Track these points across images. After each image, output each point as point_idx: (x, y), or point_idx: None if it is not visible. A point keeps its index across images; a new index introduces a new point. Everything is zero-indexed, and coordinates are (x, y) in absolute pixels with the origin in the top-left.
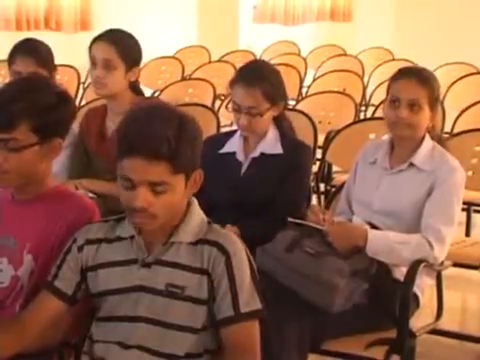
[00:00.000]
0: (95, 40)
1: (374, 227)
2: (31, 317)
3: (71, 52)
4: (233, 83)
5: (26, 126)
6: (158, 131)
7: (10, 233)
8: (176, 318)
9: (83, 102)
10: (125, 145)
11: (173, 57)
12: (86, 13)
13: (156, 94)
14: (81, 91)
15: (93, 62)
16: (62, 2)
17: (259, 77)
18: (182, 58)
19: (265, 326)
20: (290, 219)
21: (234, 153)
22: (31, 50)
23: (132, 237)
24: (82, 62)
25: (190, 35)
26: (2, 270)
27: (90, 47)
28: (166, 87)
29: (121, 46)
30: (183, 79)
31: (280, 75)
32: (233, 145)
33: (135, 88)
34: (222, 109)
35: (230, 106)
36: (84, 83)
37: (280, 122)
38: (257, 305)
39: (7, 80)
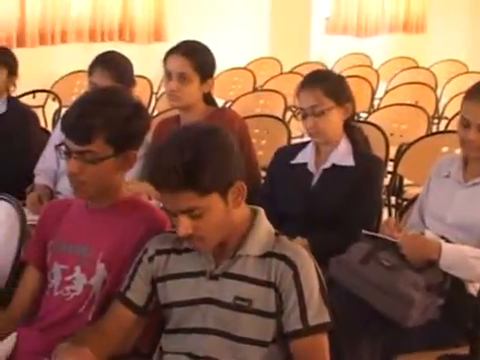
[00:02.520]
0: (170, 53)
1: (447, 242)
2: (107, 327)
3: (144, 63)
4: (298, 91)
5: (102, 139)
6: (168, 163)
7: (84, 242)
8: (245, 331)
9: (155, 112)
10: (149, 180)
11: (245, 68)
12: (159, 24)
13: (228, 105)
14: (153, 101)
15: (168, 75)
16: (136, 13)
17: (319, 78)
18: (254, 69)
19: (337, 338)
20: (364, 231)
21: (306, 164)
22: (109, 64)
23: None
24: (155, 72)
25: (262, 46)
26: (75, 278)
27: (165, 59)
28: (237, 98)
29: (196, 59)
30: (254, 90)
31: (344, 79)
32: (305, 156)
33: (208, 99)
34: (293, 120)
35: (300, 116)
36: (156, 93)
37: (353, 135)
38: (326, 318)
39: (83, 90)
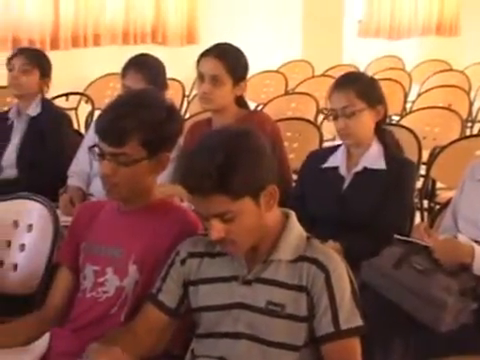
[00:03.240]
0: (203, 55)
1: None
2: (139, 328)
3: (176, 66)
4: (330, 93)
5: (136, 141)
6: (200, 167)
7: (116, 244)
8: (277, 336)
9: (187, 115)
10: (181, 184)
11: (277, 71)
12: (192, 27)
13: (259, 108)
14: (185, 104)
15: (201, 77)
16: (169, 16)
17: (351, 79)
18: (286, 72)
19: (369, 343)
20: (397, 236)
21: (337, 168)
22: (141, 66)
23: None
24: (187, 75)
25: (294, 49)
26: (108, 280)
27: (198, 62)
28: (269, 101)
29: (229, 61)
30: (286, 93)
31: (376, 81)
32: (336, 159)
33: (240, 102)
34: (325, 123)
35: (331, 117)
36: (188, 96)
37: (384, 138)
38: (358, 322)
39: (116, 93)
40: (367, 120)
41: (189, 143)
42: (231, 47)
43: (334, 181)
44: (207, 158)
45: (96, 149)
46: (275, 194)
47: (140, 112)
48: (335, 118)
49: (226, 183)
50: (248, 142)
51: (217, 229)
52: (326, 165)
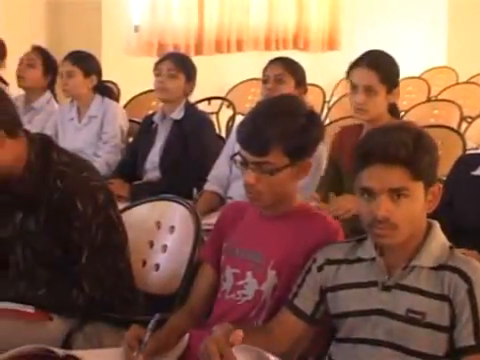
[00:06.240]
0: (355, 65)
1: None
2: (275, 331)
3: (317, 71)
4: None
5: (279, 150)
6: (394, 138)
7: (256, 248)
8: (417, 344)
9: (327, 121)
10: (362, 156)
11: (419, 78)
12: (334, 33)
13: (401, 115)
14: (325, 110)
15: (354, 87)
16: (311, 22)
17: None
18: (429, 79)
19: None
20: None
21: None
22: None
23: (373, 259)
24: (327, 81)
25: (439, 56)
26: (247, 283)
27: (350, 71)
28: (411, 108)
29: (382, 70)
30: (428, 100)
31: None
32: None
33: (393, 109)
34: (468, 132)
35: None
36: (329, 102)
37: None
38: None
39: (257, 98)
40: None
41: (338, 148)
42: (383, 55)
43: None
44: (402, 133)
45: (238, 157)
46: (438, 194)
47: (281, 120)
48: None
49: (416, 158)
50: (429, 135)
51: (385, 206)
52: (477, 173)
